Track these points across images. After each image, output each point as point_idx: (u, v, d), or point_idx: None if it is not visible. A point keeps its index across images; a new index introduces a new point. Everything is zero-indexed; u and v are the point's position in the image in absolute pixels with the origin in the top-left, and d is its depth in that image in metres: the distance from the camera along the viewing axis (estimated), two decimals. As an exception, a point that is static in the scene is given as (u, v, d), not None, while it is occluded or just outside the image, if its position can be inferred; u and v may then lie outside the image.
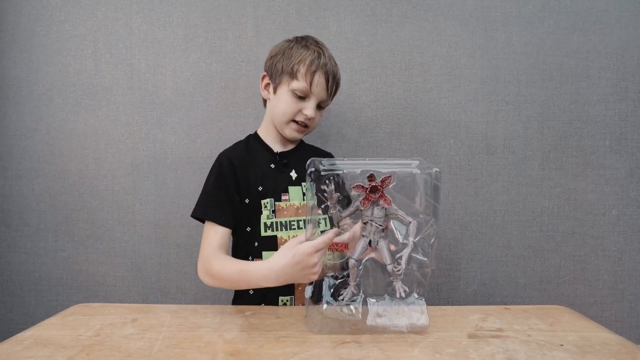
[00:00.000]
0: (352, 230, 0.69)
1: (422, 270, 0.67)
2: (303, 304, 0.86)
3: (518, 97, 1.20)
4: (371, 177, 0.64)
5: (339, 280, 0.68)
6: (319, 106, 0.91)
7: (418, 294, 0.68)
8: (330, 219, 0.75)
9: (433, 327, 0.68)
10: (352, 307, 0.67)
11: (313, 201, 0.66)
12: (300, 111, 0.88)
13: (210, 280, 0.78)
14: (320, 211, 0.67)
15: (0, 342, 0.63)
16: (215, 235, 0.81)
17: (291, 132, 0.91)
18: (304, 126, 0.90)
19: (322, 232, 0.67)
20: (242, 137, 0.98)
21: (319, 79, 0.86)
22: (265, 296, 0.86)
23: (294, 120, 0.89)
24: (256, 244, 0.87)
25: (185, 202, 1.19)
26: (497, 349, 0.61)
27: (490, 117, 1.20)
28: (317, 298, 0.68)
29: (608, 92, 1.20)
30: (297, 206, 0.89)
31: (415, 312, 0.67)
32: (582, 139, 1.20)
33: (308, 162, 0.66)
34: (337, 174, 0.65)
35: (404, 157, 0.74)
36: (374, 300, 0.68)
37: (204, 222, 0.85)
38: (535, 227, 1.20)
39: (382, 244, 0.66)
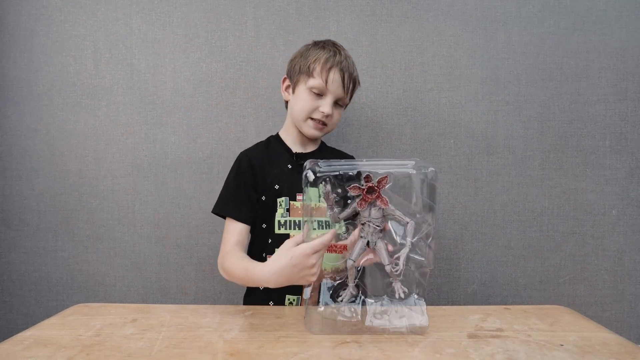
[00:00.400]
0: (353, 233, 0.69)
1: (421, 270, 0.67)
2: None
3: (518, 97, 1.20)
4: (367, 178, 0.64)
5: (338, 282, 0.68)
6: (338, 104, 0.93)
7: (417, 294, 0.68)
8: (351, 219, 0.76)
9: (433, 327, 0.68)
10: (350, 308, 0.67)
11: (309, 202, 0.67)
12: (317, 108, 0.90)
13: (225, 275, 0.81)
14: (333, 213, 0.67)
15: (0, 342, 0.63)
16: (234, 232, 0.86)
17: (309, 129, 0.92)
18: (322, 124, 0.92)
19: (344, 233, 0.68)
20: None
21: (334, 76, 0.88)
22: (272, 294, 0.87)
23: (312, 118, 0.91)
24: (269, 241, 0.89)
25: (185, 202, 1.19)
26: (497, 349, 0.61)
27: (490, 117, 1.20)
28: (316, 299, 0.68)
29: (608, 92, 1.20)
30: (312, 207, 0.89)
31: (415, 313, 0.67)
32: (582, 139, 1.20)
33: (305, 164, 0.67)
34: (334, 176, 0.65)
35: (400, 158, 0.74)
36: (373, 300, 0.68)
37: (224, 219, 0.89)
38: (535, 227, 1.20)
39: (380, 245, 0.66)
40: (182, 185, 1.19)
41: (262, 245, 0.90)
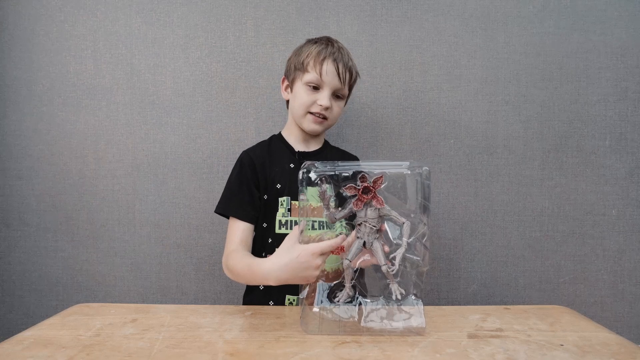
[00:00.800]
0: (350, 235, 0.69)
1: (418, 270, 0.67)
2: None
3: (518, 97, 1.20)
4: (363, 178, 0.64)
5: (334, 282, 0.68)
6: (337, 97, 0.92)
7: (415, 295, 0.68)
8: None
9: (433, 327, 0.68)
10: (347, 308, 0.67)
11: (303, 203, 0.68)
12: (315, 102, 0.90)
13: (228, 273, 0.81)
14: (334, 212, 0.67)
15: (0, 342, 0.63)
16: (237, 231, 0.86)
17: (309, 124, 0.92)
18: (322, 118, 0.91)
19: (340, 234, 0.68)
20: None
21: (328, 67, 0.88)
22: (272, 294, 0.87)
23: (311, 113, 0.91)
24: (270, 240, 0.89)
25: (185, 202, 1.19)
26: (497, 349, 0.61)
27: (490, 117, 1.20)
28: (312, 299, 0.68)
29: (608, 92, 1.20)
30: (313, 207, 0.89)
31: (412, 314, 0.67)
32: (582, 139, 1.20)
33: (302, 165, 0.67)
34: (329, 175, 0.65)
35: (394, 160, 0.75)
36: (369, 301, 0.68)
37: (227, 218, 0.89)
38: (535, 227, 1.20)
39: (377, 245, 0.66)
40: (182, 185, 1.19)
41: (262, 244, 0.90)
